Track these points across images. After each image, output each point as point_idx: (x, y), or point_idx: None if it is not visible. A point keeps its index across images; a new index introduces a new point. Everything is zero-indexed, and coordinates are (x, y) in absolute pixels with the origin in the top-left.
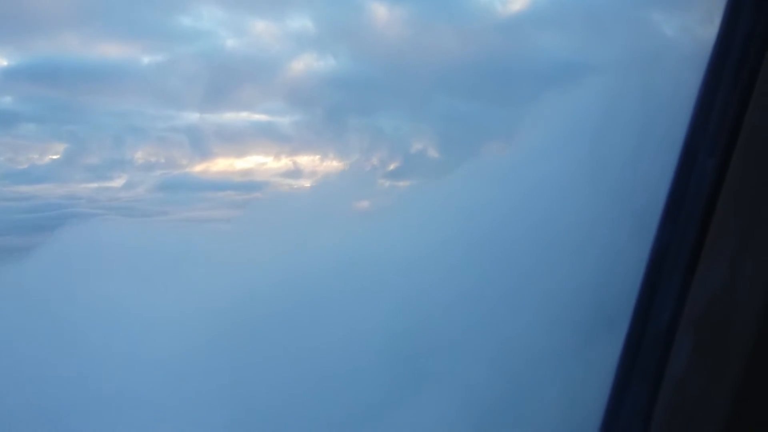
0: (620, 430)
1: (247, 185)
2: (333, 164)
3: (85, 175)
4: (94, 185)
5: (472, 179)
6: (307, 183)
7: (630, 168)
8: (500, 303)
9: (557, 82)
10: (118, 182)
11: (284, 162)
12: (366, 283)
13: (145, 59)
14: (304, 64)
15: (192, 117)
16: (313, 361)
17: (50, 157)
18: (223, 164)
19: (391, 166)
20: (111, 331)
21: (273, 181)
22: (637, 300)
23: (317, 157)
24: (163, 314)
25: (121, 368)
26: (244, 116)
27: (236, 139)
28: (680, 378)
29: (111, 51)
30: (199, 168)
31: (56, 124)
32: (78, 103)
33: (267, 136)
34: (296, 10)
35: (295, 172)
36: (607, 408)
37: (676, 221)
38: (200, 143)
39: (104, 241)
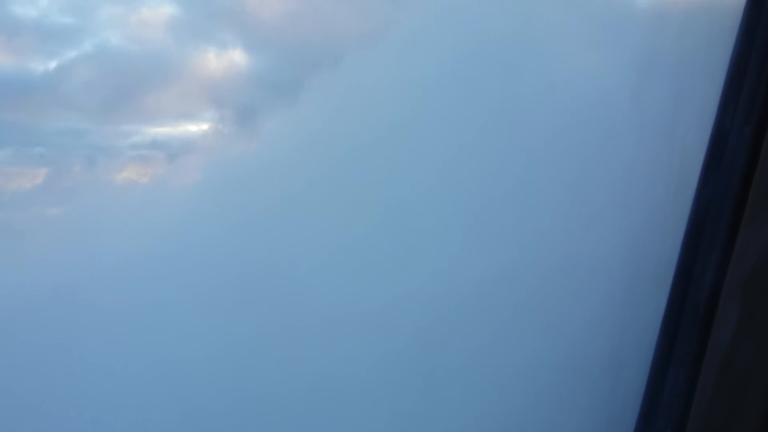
0: (662, 406)
1: None
2: None
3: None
4: None
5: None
6: None
7: (668, 131)
8: (531, 273)
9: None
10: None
11: None
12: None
13: (38, 66)
14: (215, 61)
15: (152, 130)
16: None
17: None
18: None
19: None
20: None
21: None
22: (677, 268)
23: None
24: None
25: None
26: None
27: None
28: (726, 348)
29: None
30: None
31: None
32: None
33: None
34: None
35: None
36: (648, 384)
37: (715, 182)
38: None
39: None
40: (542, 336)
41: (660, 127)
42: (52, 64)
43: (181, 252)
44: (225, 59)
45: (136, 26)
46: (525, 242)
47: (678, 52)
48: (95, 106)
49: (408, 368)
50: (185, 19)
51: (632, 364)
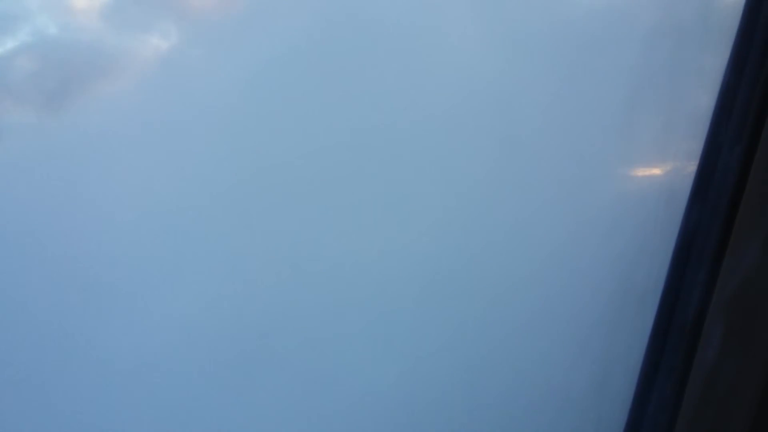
0: (647, 421)
1: None
2: None
3: None
4: None
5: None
6: None
7: (657, 150)
8: (517, 292)
9: None
10: None
11: None
12: None
13: None
14: (155, 50)
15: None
16: None
17: None
18: None
19: None
20: None
21: None
22: (665, 288)
23: None
24: None
25: None
26: None
27: None
28: (710, 367)
29: None
30: None
31: None
32: None
33: None
34: None
35: None
36: (634, 399)
37: (703, 204)
38: None
39: None
40: (528, 352)
41: (649, 146)
42: None
43: (174, 238)
44: (166, 49)
45: (71, 13)
46: (511, 262)
47: (670, 69)
48: (48, 99)
49: (394, 381)
50: (119, 5)
51: (618, 382)
